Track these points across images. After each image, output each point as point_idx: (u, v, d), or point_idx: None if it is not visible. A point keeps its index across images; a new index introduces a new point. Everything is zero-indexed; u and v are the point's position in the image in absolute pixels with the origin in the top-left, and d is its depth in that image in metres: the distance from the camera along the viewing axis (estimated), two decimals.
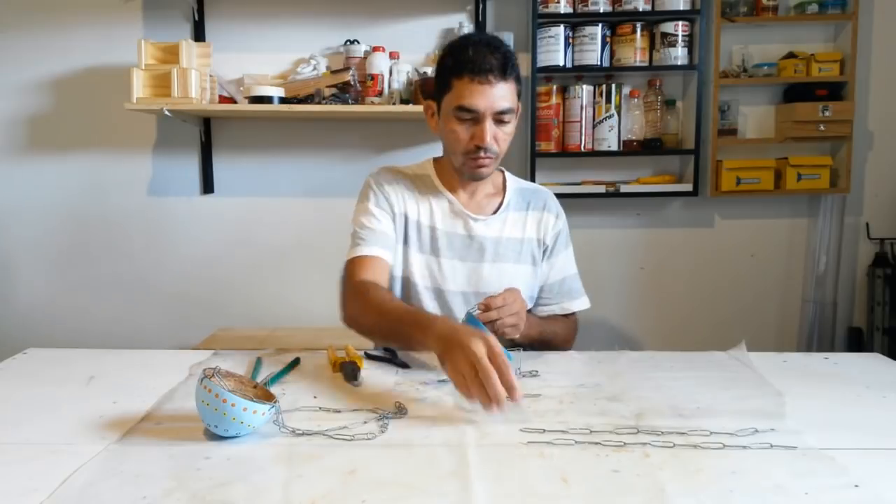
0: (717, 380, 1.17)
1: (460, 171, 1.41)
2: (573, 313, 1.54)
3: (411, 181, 1.48)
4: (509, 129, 1.36)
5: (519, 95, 1.38)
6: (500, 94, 1.31)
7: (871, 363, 1.31)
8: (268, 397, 0.99)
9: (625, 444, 0.90)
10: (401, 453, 0.88)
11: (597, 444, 0.91)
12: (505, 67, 1.31)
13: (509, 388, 0.94)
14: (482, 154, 1.35)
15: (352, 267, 1.36)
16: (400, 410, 1.02)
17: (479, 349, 0.96)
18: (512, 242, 1.46)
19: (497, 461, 0.86)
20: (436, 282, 1.44)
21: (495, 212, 1.47)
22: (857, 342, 2.75)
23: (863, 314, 2.78)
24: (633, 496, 0.77)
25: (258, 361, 1.26)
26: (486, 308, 1.21)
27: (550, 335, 1.44)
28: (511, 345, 1.21)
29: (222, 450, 0.89)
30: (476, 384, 0.95)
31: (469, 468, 0.83)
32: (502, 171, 1.54)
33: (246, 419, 0.90)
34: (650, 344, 2.75)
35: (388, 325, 1.21)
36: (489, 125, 1.32)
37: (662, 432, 0.94)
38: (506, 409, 0.95)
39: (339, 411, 1.02)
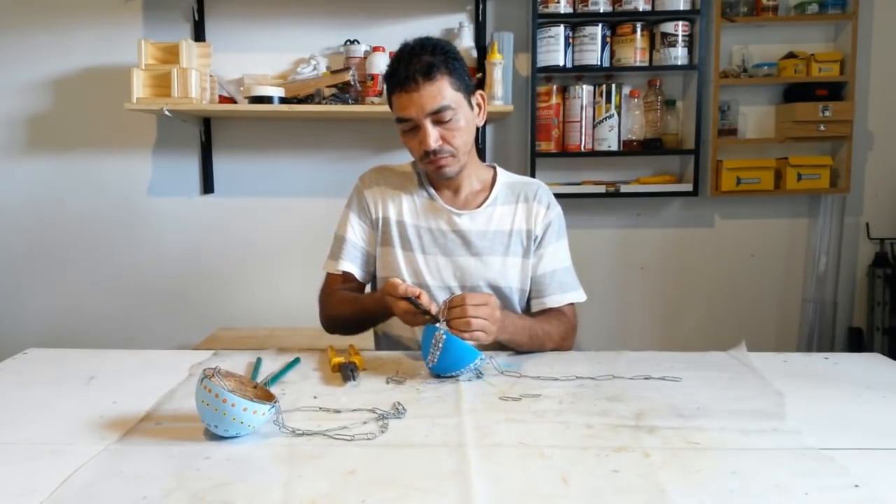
0: (717, 380, 1.17)
1: (428, 173, 1.46)
2: (570, 305, 1.49)
3: (399, 178, 1.52)
4: (457, 124, 1.37)
5: (464, 88, 1.38)
6: (428, 96, 1.33)
7: (871, 363, 1.31)
8: (268, 397, 0.99)
9: (625, 444, 0.90)
10: (401, 453, 0.88)
11: (597, 444, 0.91)
12: (429, 69, 1.32)
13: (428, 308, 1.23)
14: (432, 157, 1.37)
15: (329, 280, 1.53)
16: (400, 410, 1.02)
17: (398, 300, 1.25)
18: (500, 235, 1.46)
19: (497, 461, 0.86)
20: (420, 278, 1.45)
21: (480, 206, 1.48)
22: (857, 342, 2.75)
23: (863, 314, 2.78)
24: (633, 496, 0.77)
25: (258, 361, 1.26)
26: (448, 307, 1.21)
27: (543, 337, 1.37)
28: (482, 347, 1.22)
29: (222, 450, 0.89)
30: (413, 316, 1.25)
31: (469, 468, 0.83)
32: (494, 168, 1.54)
33: (246, 419, 0.91)
34: (650, 344, 2.75)
35: (355, 310, 1.44)
36: (429, 128, 1.35)
37: (662, 432, 0.94)
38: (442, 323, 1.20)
39: (339, 411, 1.02)
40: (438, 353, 1.15)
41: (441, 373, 1.17)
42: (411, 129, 1.37)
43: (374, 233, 1.51)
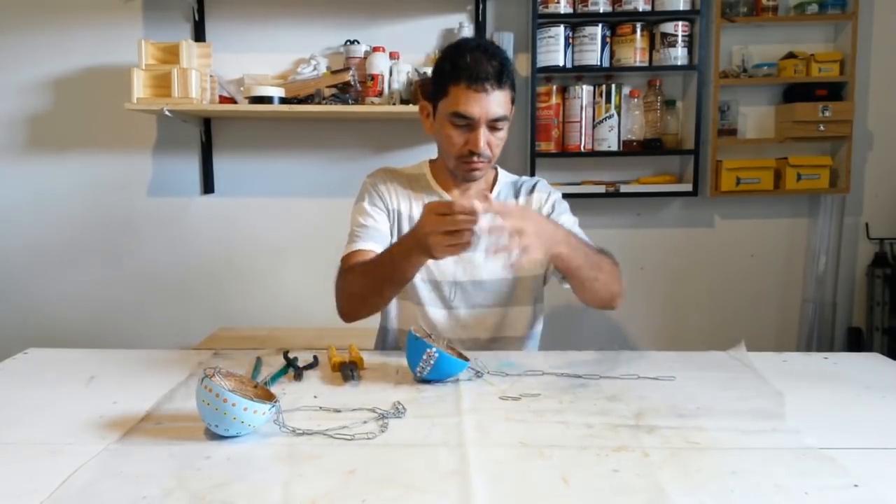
0: (717, 380, 1.18)
1: (454, 172, 1.46)
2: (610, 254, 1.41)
3: (406, 180, 1.53)
4: (502, 134, 1.40)
5: (513, 101, 1.42)
6: (495, 102, 1.34)
7: (871, 363, 1.31)
8: (268, 397, 0.99)
9: (625, 443, 0.90)
10: (401, 453, 0.89)
11: (597, 443, 0.91)
12: (501, 75, 1.34)
13: (470, 212, 1.11)
14: (475, 159, 1.38)
15: (346, 260, 1.42)
16: (400, 410, 1.02)
17: (431, 214, 1.15)
18: (505, 228, 1.46)
19: (497, 461, 0.86)
20: (431, 273, 1.47)
21: None
22: (856, 342, 2.75)
23: (862, 314, 2.78)
24: (633, 496, 0.77)
25: (258, 361, 1.26)
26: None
27: (595, 269, 1.30)
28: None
29: (222, 450, 0.89)
30: (448, 236, 1.13)
31: (469, 468, 0.83)
32: (495, 169, 1.57)
33: (246, 419, 0.91)
34: (650, 344, 2.75)
35: (374, 270, 1.32)
36: (483, 132, 1.36)
37: (662, 432, 0.94)
38: (478, 242, 1.16)
39: (339, 411, 1.03)
40: (429, 368, 1.14)
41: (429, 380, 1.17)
42: (463, 126, 1.36)
43: (389, 222, 1.48)
